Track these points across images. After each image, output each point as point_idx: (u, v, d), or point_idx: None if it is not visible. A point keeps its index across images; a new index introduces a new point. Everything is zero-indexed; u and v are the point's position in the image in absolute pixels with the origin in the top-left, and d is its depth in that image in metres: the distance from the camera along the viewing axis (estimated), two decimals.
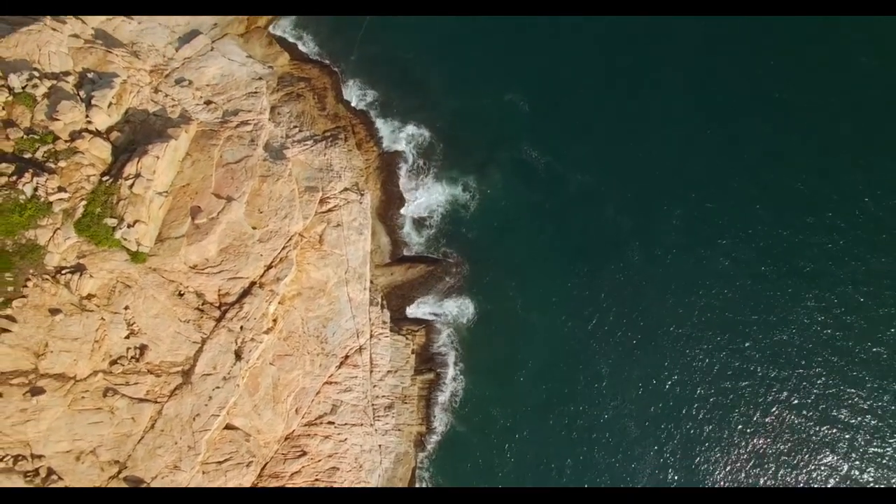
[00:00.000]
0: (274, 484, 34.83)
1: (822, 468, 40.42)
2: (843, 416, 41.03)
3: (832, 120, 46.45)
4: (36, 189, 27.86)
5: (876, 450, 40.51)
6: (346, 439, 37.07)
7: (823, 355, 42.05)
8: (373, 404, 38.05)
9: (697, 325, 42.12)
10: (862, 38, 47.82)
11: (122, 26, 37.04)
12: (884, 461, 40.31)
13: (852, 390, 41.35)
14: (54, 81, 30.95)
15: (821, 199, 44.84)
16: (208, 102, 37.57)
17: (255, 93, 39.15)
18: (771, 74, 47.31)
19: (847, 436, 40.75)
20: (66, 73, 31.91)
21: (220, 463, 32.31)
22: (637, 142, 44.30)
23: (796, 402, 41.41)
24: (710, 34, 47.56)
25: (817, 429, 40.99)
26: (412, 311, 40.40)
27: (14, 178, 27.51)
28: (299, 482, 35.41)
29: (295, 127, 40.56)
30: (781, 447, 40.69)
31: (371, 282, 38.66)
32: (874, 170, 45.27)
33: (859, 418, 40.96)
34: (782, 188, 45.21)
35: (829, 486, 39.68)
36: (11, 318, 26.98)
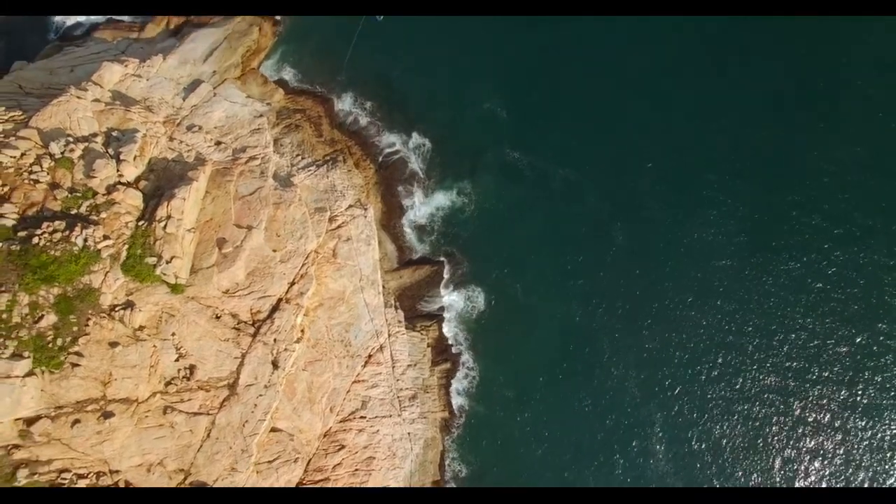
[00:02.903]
0: (318, 477, 38.85)
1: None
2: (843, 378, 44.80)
3: (798, 84, 50.62)
4: (86, 240, 31.79)
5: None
6: (377, 431, 41.03)
7: (814, 316, 45.81)
8: (398, 397, 42.04)
9: (678, 291, 46.35)
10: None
11: (134, 84, 41.07)
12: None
13: (843, 349, 45.26)
14: (86, 143, 34.92)
15: (803, 168, 48.85)
16: (218, 143, 41.58)
17: (258, 129, 43.10)
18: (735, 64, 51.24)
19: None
20: (95, 135, 35.91)
21: (270, 462, 36.32)
22: (608, 133, 48.45)
23: (788, 363, 45.35)
24: (678, 29, 51.41)
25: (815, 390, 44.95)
26: (423, 308, 44.47)
27: (66, 232, 31.46)
28: (341, 473, 39.38)
29: (298, 155, 44.62)
30: (787, 408, 44.50)
31: (383, 286, 42.62)
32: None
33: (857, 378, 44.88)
34: (756, 156, 49.40)
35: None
36: (79, 354, 30.91)
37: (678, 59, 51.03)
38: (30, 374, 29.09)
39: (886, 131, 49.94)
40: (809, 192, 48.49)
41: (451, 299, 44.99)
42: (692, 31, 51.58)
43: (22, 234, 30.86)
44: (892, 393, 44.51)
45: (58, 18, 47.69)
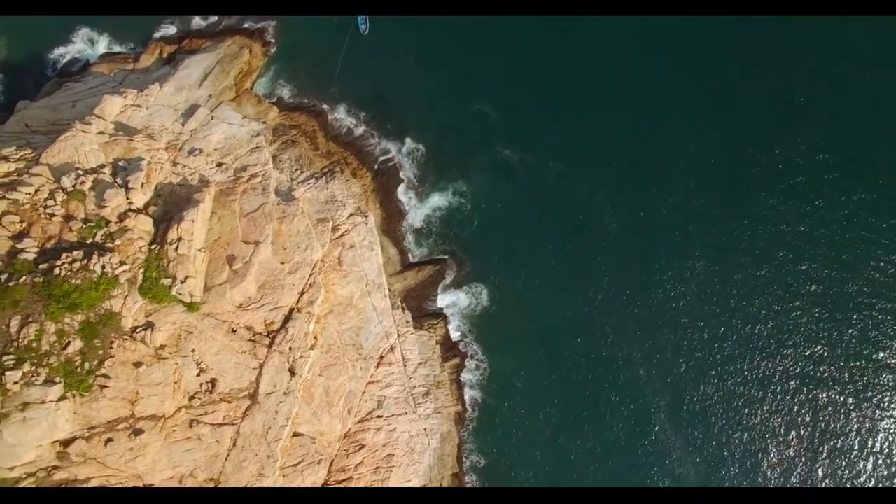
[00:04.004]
0: (342, 477, 40.42)
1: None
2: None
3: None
4: (103, 267, 33.31)
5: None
6: (395, 428, 42.59)
7: (817, 297, 47.66)
8: (412, 394, 43.58)
9: (675, 272, 47.98)
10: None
11: (134, 114, 42.60)
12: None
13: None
14: (95, 175, 36.44)
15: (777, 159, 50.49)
16: (220, 164, 43.12)
17: (257, 148, 44.62)
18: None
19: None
20: (102, 166, 37.43)
21: (295, 465, 37.88)
22: (596, 125, 50.05)
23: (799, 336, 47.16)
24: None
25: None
26: (429, 307, 46.01)
27: (85, 261, 32.97)
28: (363, 471, 40.96)
29: (297, 169, 46.16)
30: (789, 384, 46.25)
31: (389, 289, 44.18)
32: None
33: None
34: (734, 139, 50.97)
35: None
36: (106, 376, 32.42)
37: (658, 50, 52.57)
38: (62, 398, 30.61)
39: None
40: (801, 172, 50.27)
41: (456, 297, 46.54)
42: (670, 25, 53.07)
43: (43, 266, 32.38)
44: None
45: (54, 55, 49.25)
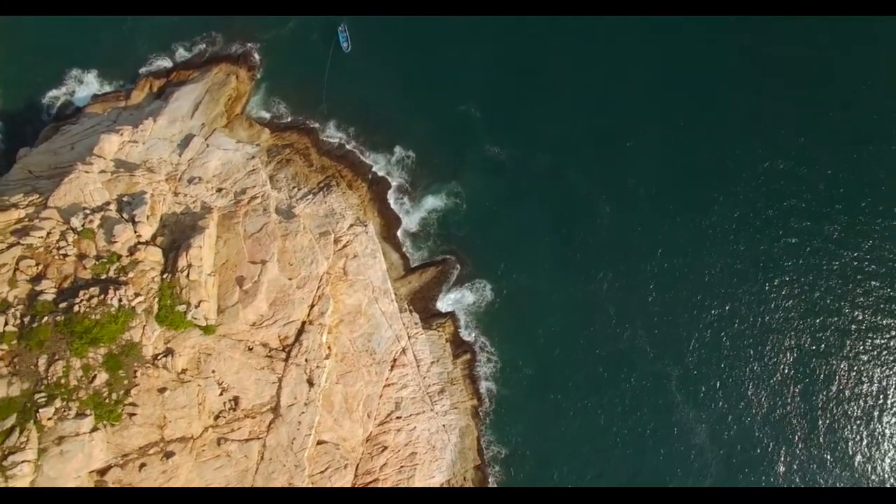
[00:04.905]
0: (369, 479, 41.75)
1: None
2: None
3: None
4: (120, 300, 34.62)
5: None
6: (414, 428, 43.93)
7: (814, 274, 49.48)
8: (427, 393, 44.92)
9: (669, 250, 49.50)
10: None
11: (132, 150, 43.91)
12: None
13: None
14: (102, 212, 37.75)
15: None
16: (219, 190, 44.41)
17: (254, 170, 45.89)
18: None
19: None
20: (108, 203, 38.74)
21: (322, 472, 39.20)
22: (578, 115, 51.42)
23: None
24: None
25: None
26: (436, 307, 47.35)
27: (102, 296, 34.27)
28: (388, 472, 42.30)
29: (294, 187, 47.48)
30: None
31: (395, 294, 45.52)
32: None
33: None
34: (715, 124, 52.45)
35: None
36: (134, 404, 33.73)
37: (626, 40, 53.98)
38: (95, 429, 31.91)
39: None
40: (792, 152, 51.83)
41: (460, 294, 47.88)
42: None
43: (63, 305, 33.68)
44: None
45: (47, 99, 50.43)
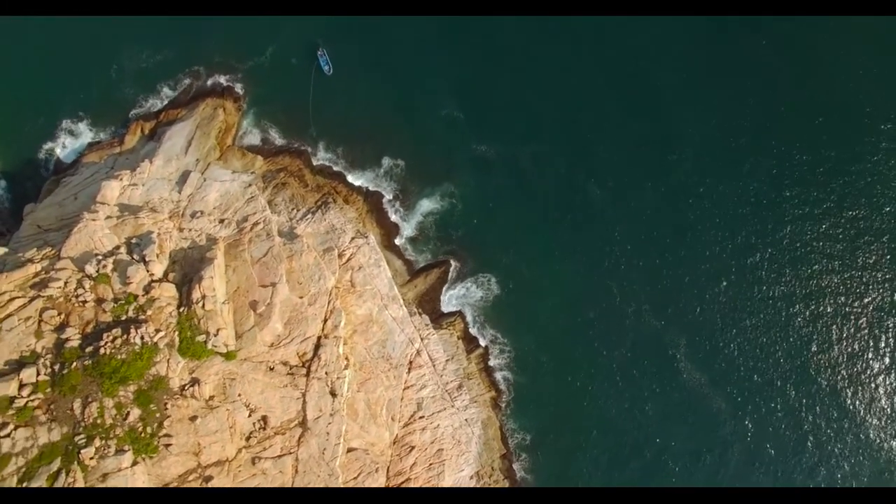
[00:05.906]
0: (401, 479, 43.21)
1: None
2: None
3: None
4: (142, 338, 36.08)
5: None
6: (438, 425, 45.38)
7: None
8: (446, 390, 46.36)
9: (662, 227, 51.07)
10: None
11: (133, 193, 45.30)
12: None
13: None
14: (113, 257, 39.19)
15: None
16: (221, 220, 45.84)
17: (252, 197, 47.32)
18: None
19: None
20: (117, 247, 40.18)
21: (355, 478, 40.67)
22: (558, 106, 52.89)
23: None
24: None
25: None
26: (444, 307, 48.80)
27: (124, 336, 35.75)
28: (418, 471, 43.78)
29: (293, 209, 48.93)
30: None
31: (403, 299, 46.97)
32: None
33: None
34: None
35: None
36: (168, 435, 35.20)
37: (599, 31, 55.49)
38: (135, 463, 33.39)
39: None
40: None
41: (466, 291, 49.35)
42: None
43: (89, 349, 35.15)
44: None
45: (43, 153, 51.72)
